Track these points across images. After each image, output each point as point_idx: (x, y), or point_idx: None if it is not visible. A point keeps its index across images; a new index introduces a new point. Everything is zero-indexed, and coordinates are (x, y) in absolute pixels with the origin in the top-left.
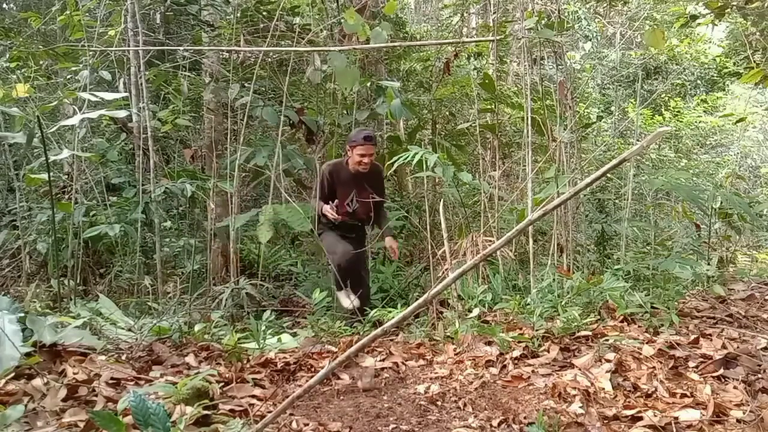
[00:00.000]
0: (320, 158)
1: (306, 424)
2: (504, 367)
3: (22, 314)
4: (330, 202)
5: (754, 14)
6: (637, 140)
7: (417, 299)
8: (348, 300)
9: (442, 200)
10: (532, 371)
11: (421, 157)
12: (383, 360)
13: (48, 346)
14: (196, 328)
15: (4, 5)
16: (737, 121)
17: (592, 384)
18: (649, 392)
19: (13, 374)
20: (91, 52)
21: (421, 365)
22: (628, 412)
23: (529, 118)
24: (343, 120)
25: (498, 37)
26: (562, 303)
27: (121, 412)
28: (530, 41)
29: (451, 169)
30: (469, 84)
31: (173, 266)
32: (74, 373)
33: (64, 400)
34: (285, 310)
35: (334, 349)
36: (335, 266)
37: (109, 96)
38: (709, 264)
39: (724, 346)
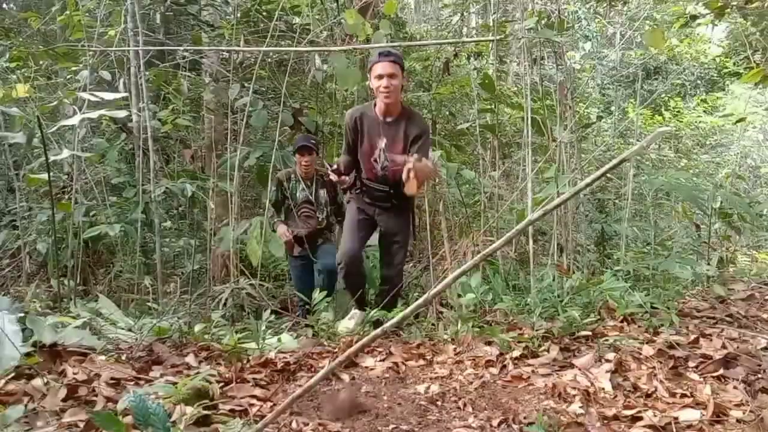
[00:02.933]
0: (319, 158)
1: (306, 424)
2: (504, 367)
3: (22, 314)
4: (348, 167)
5: (754, 14)
6: (637, 140)
7: (417, 299)
8: (350, 323)
9: (442, 200)
10: (532, 371)
11: None
12: (383, 360)
13: (48, 346)
14: (196, 328)
15: (4, 5)
16: (737, 121)
17: (592, 384)
18: (649, 392)
19: (13, 374)
20: (91, 52)
21: (421, 365)
22: (628, 412)
23: (529, 118)
24: (342, 120)
25: (498, 37)
26: (562, 303)
27: (121, 412)
28: (530, 41)
29: (454, 167)
30: (469, 84)
31: (173, 266)
32: (74, 373)
33: (64, 400)
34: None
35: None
36: (337, 264)
37: (109, 96)
38: (709, 264)
39: (724, 346)
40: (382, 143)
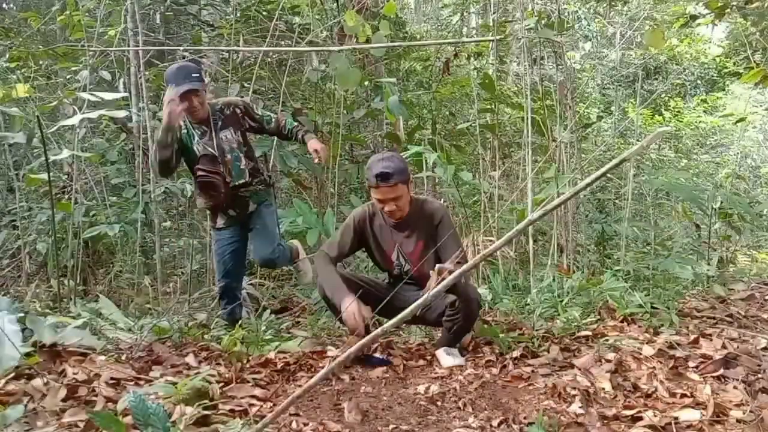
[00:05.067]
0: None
1: (306, 424)
2: (504, 367)
3: (22, 314)
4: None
5: (754, 14)
6: (637, 140)
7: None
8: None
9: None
10: (532, 371)
11: (421, 157)
12: None
13: (48, 346)
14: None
15: (4, 5)
16: (737, 121)
17: (592, 384)
18: (649, 392)
19: (13, 374)
20: (90, 52)
21: (421, 365)
22: (628, 412)
23: (529, 118)
24: (342, 119)
25: (498, 37)
26: (562, 303)
27: (121, 412)
28: (530, 41)
29: (452, 169)
30: (469, 84)
31: (173, 266)
32: (74, 373)
33: (64, 400)
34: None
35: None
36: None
37: (109, 96)
38: (709, 264)
39: (724, 346)
40: (397, 246)
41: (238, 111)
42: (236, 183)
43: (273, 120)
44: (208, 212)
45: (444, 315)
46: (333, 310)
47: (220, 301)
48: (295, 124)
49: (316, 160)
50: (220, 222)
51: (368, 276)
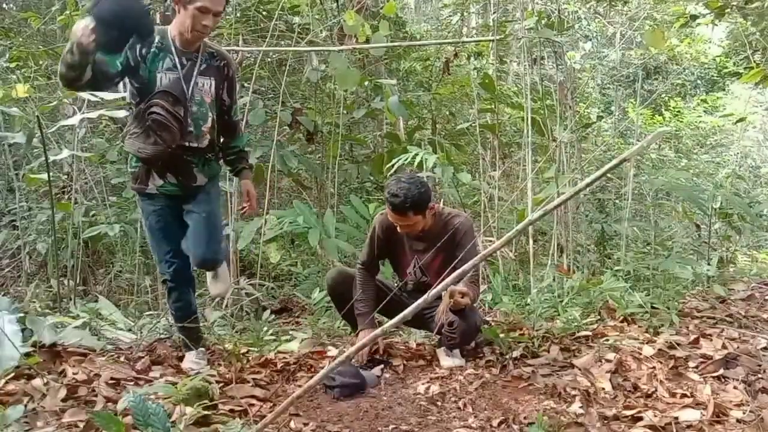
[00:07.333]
0: (319, 158)
1: (306, 424)
2: (504, 367)
3: (22, 314)
4: (372, 271)
5: (754, 14)
6: (637, 140)
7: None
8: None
9: (441, 200)
10: (532, 371)
11: (421, 158)
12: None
13: (48, 346)
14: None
15: (4, 5)
16: (737, 121)
17: (592, 384)
18: (649, 392)
19: (13, 374)
20: None
21: (421, 365)
22: (628, 412)
23: (529, 118)
24: (342, 119)
25: (498, 37)
26: (563, 303)
27: (121, 412)
28: (530, 41)
29: (450, 170)
30: (469, 84)
31: None
32: (74, 373)
33: (63, 400)
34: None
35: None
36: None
37: (109, 96)
38: (709, 264)
39: (724, 346)
40: (415, 258)
41: (226, 70)
42: (189, 144)
43: (238, 117)
44: (137, 169)
45: (442, 329)
46: (338, 307)
47: (170, 293)
48: (248, 149)
49: (244, 208)
50: (152, 186)
51: (385, 280)
